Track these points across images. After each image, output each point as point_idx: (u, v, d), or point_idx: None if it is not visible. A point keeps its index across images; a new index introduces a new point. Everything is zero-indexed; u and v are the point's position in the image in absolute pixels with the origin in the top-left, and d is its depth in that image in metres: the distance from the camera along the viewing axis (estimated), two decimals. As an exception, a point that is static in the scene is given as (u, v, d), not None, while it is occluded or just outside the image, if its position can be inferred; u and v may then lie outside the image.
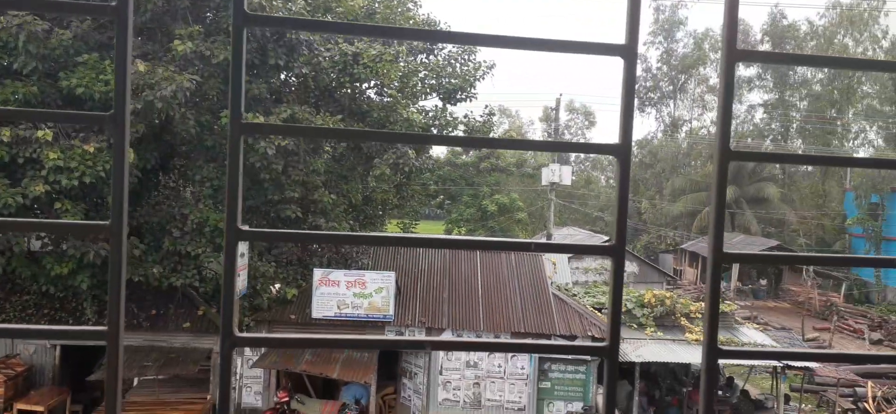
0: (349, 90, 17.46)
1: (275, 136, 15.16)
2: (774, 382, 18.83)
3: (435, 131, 18.64)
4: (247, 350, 17.72)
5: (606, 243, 1.32)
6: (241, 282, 15.27)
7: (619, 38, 1.15)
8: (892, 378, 23.10)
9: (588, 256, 33.36)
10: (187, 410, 16.12)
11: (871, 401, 20.89)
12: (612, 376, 1.20)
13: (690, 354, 17.73)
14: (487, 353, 17.73)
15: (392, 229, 34.27)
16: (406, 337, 17.89)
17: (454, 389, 17.87)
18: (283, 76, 17.81)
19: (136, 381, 17.07)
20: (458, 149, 46.17)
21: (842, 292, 39.21)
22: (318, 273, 17.20)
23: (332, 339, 1.54)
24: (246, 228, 1.19)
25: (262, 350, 17.59)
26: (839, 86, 47.19)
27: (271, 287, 17.01)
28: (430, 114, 18.02)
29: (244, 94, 1.10)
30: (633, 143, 1.21)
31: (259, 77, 16.42)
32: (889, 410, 20.60)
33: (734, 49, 1.14)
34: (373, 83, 17.95)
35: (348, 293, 17.14)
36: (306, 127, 1.32)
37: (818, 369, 19.75)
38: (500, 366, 17.75)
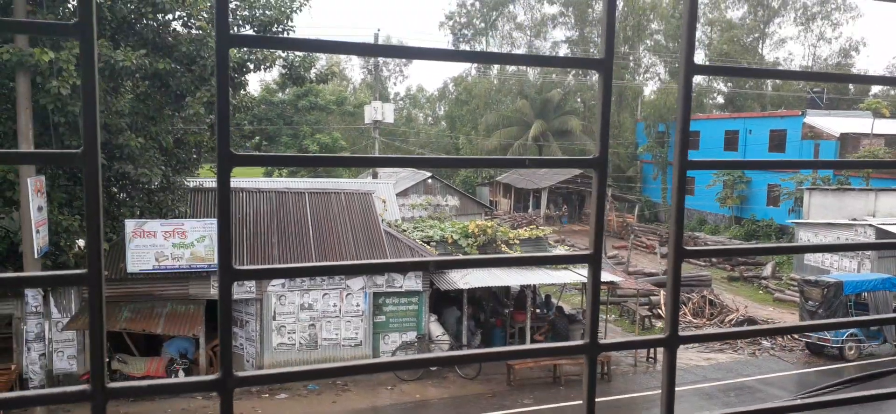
0: (152, 22, 15.94)
1: (69, 76, 13.54)
2: (583, 298, 20.68)
3: (252, 66, 17.61)
4: (55, 312, 16.08)
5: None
6: (42, 239, 13.70)
7: None
8: (682, 286, 26.35)
9: (413, 193, 34.03)
10: (-12, 384, 14.40)
11: (663, 306, 23.86)
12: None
13: (511, 278, 18.83)
14: (322, 293, 17.59)
15: (206, 174, 32.37)
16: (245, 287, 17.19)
17: (289, 333, 17.59)
18: (71, 5, 15.82)
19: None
20: (274, 86, 44.37)
21: (635, 213, 43.65)
22: (130, 224, 15.87)
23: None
24: (240, 267, 1.10)
25: (73, 311, 16.07)
26: (632, 23, 51.45)
27: (77, 243, 15.42)
28: (245, 48, 16.93)
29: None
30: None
31: (42, 7, 14.46)
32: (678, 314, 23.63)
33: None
34: (178, 14, 16.50)
35: (167, 244, 16.05)
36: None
37: (621, 282, 21.95)
38: (335, 305, 17.71)
